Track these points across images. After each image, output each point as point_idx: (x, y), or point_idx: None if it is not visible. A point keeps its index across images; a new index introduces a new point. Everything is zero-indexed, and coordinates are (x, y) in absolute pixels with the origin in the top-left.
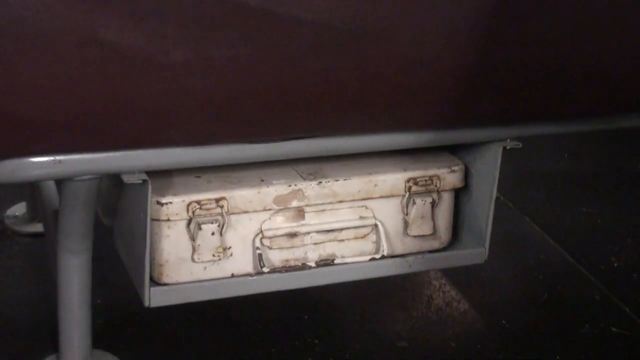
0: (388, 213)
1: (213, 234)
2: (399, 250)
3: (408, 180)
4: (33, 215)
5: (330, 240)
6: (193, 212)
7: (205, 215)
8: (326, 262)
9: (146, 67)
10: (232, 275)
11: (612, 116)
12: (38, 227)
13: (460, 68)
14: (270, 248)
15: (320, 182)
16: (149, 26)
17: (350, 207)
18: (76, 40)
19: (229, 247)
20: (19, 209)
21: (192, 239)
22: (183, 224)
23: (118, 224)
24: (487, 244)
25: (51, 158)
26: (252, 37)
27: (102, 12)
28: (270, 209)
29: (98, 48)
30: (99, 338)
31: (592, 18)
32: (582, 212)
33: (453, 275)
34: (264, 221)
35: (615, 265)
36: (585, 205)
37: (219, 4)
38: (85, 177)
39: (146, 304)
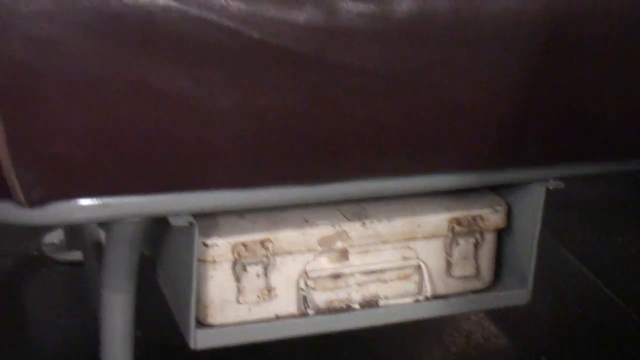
0: (431, 253)
1: (258, 275)
2: (442, 290)
3: (451, 221)
4: (71, 243)
5: (373, 281)
6: (238, 254)
7: (250, 257)
8: (370, 304)
9: (194, 112)
10: (277, 317)
11: None
12: (76, 255)
13: (505, 111)
14: (314, 289)
15: (364, 224)
16: (198, 73)
17: (394, 248)
18: (126, 86)
19: (274, 288)
20: (56, 236)
21: (237, 280)
22: (228, 265)
23: (161, 258)
24: (529, 285)
25: (98, 201)
26: (301, 83)
27: (152, 60)
28: (314, 250)
29: (147, 94)
30: None
31: (637, 62)
32: (618, 241)
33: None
34: (308, 262)
35: None
36: (622, 234)
37: (269, 52)
38: (132, 219)
39: (192, 345)
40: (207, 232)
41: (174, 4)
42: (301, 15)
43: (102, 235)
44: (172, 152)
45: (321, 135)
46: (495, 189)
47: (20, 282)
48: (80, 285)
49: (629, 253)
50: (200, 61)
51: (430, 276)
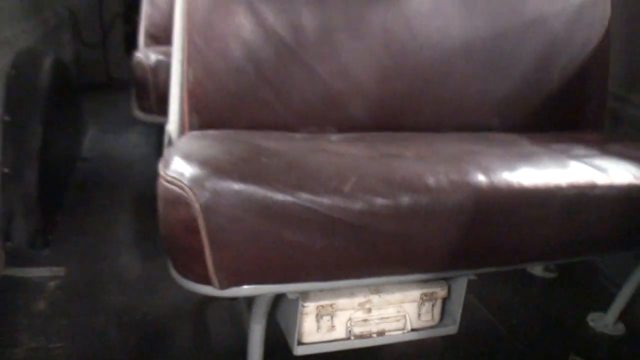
0: (411, 309)
1: (328, 320)
2: (416, 327)
3: (421, 294)
4: None
5: (383, 323)
6: (319, 310)
7: (324, 312)
8: (381, 334)
9: (313, 251)
10: (336, 339)
11: (533, 262)
12: None
13: (449, 252)
14: (354, 326)
15: (380, 295)
16: (309, 233)
17: (394, 307)
18: (273, 241)
19: (334, 326)
20: None
21: (317, 322)
22: (314, 315)
23: (279, 305)
24: (457, 323)
25: (253, 287)
26: (356, 237)
27: (291, 228)
28: (355, 308)
29: (284, 244)
30: None
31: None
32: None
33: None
34: (351, 314)
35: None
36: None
37: (344, 224)
38: (268, 295)
39: (295, 353)
40: (304, 299)
41: (305, 204)
42: (357, 205)
43: None
44: (293, 267)
45: (364, 260)
46: (443, 278)
47: (202, 312)
48: (236, 314)
49: (512, 301)
50: (312, 229)
51: (410, 320)
